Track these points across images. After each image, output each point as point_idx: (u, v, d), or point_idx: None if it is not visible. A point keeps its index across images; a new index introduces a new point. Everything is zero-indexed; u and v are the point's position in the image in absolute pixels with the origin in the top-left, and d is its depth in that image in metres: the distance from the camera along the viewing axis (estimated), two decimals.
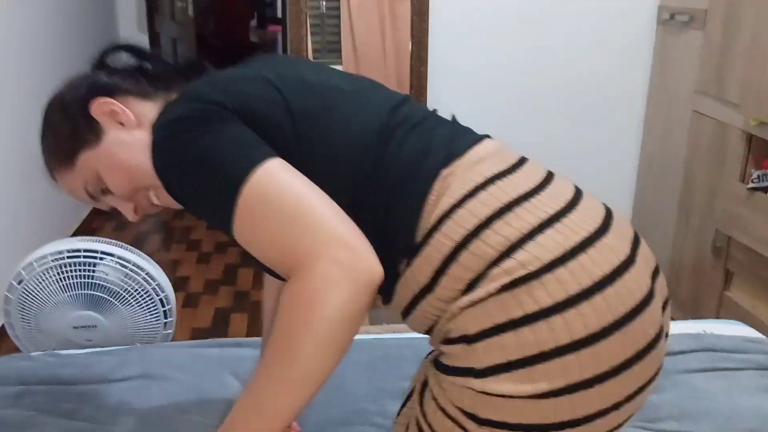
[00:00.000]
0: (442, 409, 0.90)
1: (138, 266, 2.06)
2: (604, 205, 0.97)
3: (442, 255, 0.88)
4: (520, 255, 0.84)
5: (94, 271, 2.03)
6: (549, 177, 0.97)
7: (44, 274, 2.00)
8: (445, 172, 0.91)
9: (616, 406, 0.87)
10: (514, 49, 3.20)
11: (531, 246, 0.85)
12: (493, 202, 0.89)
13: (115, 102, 1.01)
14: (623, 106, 3.32)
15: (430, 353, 1.01)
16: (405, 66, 3.19)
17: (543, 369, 0.82)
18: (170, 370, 1.48)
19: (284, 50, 5.63)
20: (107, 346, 1.96)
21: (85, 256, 2.01)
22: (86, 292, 2.02)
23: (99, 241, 2.07)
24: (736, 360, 1.63)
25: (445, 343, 0.90)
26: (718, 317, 2.71)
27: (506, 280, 0.84)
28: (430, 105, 3.11)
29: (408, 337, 1.64)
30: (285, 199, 0.83)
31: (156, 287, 2.08)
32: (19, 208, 2.88)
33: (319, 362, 0.80)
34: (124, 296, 2.05)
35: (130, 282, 2.05)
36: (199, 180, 0.87)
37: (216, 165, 0.86)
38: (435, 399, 0.92)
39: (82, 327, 2.06)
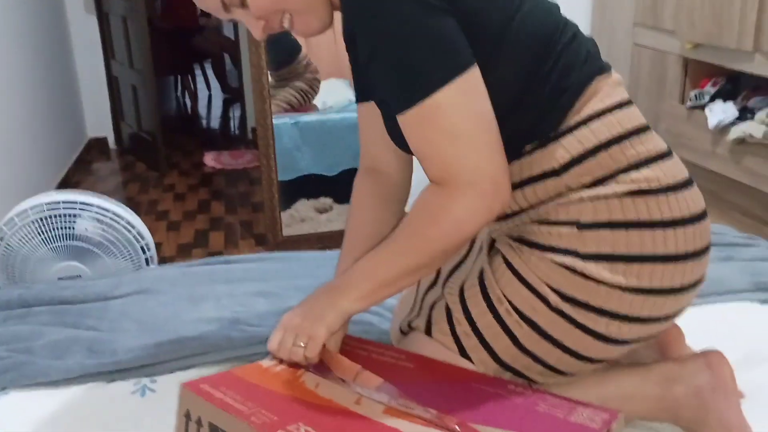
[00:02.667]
0: (521, 278, 1.01)
1: (117, 215, 2.12)
2: None
3: (584, 148, 0.97)
4: (646, 171, 0.97)
5: (75, 223, 2.09)
6: None
7: (25, 229, 2.05)
8: (598, 78, 1.00)
9: (668, 318, 1.03)
10: None
11: (655, 167, 0.98)
12: (634, 120, 1.00)
13: None
14: None
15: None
16: None
17: (637, 268, 0.97)
18: (164, 284, 1.57)
19: (234, 27, 5.67)
20: None
21: (64, 208, 2.07)
22: (68, 243, 2.08)
23: (77, 193, 2.13)
24: None
25: (542, 224, 1.00)
26: None
27: (633, 187, 0.96)
28: None
29: None
30: (466, 120, 0.89)
31: (136, 234, 2.15)
32: None
33: (436, 264, 0.98)
34: (106, 245, 2.11)
35: (110, 231, 2.12)
36: (398, 59, 0.88)
37: (422, 55, 0.87)
38: (513, 269, 1.02)
39: (67, 278, 2.12)
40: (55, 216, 2.06)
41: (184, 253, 3.26)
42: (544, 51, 0.96)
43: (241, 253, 3.23)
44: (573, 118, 0.98)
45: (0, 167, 3.10)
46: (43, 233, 2.07)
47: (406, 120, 0.91)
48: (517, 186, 1.01)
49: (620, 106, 1.01)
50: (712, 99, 2.59)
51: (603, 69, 1.02)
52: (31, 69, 3.76)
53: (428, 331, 1.09)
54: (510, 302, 1.01)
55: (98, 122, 4.96)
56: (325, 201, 3.35)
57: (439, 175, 0.92)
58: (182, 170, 4.62)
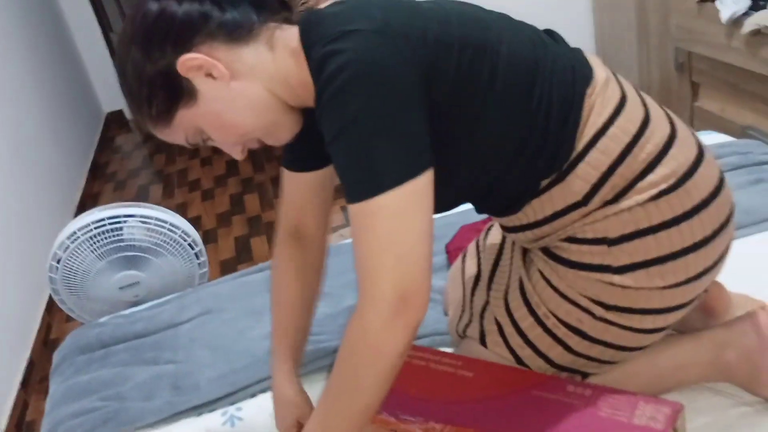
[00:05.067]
0: (562, 294, 1.05)
1: (160, 220, 2.21)
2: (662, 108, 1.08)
3: (600, 172, 0.98)
4: (661, 170, 0.98)
5: (122, 234, 2.19)
6: (629, 84, 1.07)
7: (79, 249, 2.16)
8: (588, 91, 0.99)
9: (707, 289, 1.08)
10: None
11: (668, 161, 0.99)
12: (634, 120, 0.99)
13: (201, 56, 0.90)
14: None
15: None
16: None
17: (671, 266, 1.00)
18: (224, 302, 1.67)
19: None
20: (154, 298, 2.15)
21: (110, 223, 2.17)
22: (121, 254, 2.19)
23: (118, 206, 2.22)
24: None
25: (571, 242, 1.03)
26: (692, 126, 2.89)
27: (653, 192, 0.98)
28: None
29: None
30: (401, 230, 0.86)
31: (182, 234, 2.24)
32: (24, 195, 3.00)
33: (379, 394, 0.91)
34: (156, 250, 2.22)
35: (157, 236, 2.22)
36: (357, 151, 0.86)
37: (379, 153, 0.85)
38: (552, 286, 1.06)
39: (127, 286, 2.25)
40: (103, 232, 2.17)
41: (224, 222, 3.36)
42: (532, 88, 0.96)
43: (278, 213, 3.32)
44: (580, 143, 0.98)
45: (30, 165, 3.19)
46: (96, 249, 2.18)
47: (352, 212, 0.89)
48: (543, 222, 1.04)
49: (617, 111, 1.00)
50: None
51: (589, 77, 1.01)
52: (36, 60, 3.79)
53: (482, 341, 1.17)
54: (556, 316, 1.07)
55: (110, 96, 5.00)
56: None
57: (364, 281, 0.88)
58: None
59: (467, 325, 1.22)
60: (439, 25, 0.92)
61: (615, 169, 0.98)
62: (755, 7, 2.37)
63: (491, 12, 1.02)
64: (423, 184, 0.87)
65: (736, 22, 2.41)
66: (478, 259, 1.30)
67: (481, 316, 1.19)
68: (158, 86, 0.93)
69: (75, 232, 2.16)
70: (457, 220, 1.76)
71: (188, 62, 0.90)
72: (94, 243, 2.17)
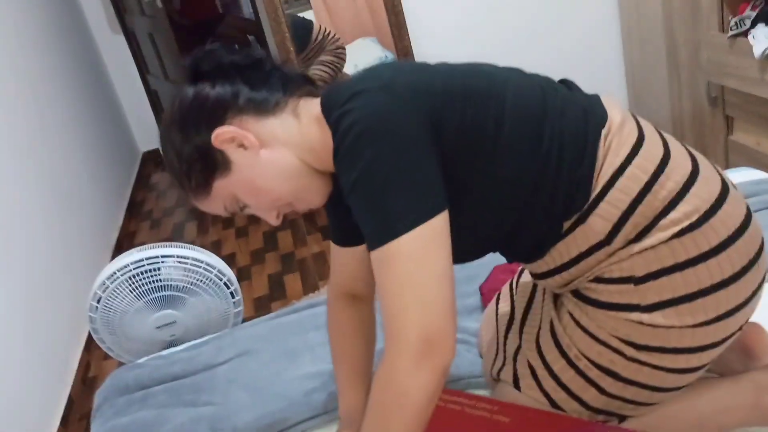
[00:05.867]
0: (592, 336, 1.06)
1: (196, 260, 2.25)
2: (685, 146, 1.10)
3: (620, 211, 0.99)
4: (683, 207, 1.00)
5: (160, 274, 2.23)
6: (648, 124, 1.09)
7: (118, 289, 2.20)
8: (603, 132, 1.01)
9: (742, 326, 1.06)
10: None
11: (690, 199, 1.00)
12: (653, 159, 1.01)
13: (233, 128, 1.00)
14: None
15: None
16: (377, 2, 3.25)
17: (701, 303, 1.00)
18: (260, 343, 1.69)
19: (253, 7, 5.66)
20: (189, 337, 2.18)
21: (148, 263, 2.21)
22: (159, 294, 2.23)
23: (156, 247, 2.26)
24: (749, 204, 1.78)
25: (599, 282, 1.04)
26: (726, 161, 2.87)
27: (676, 229, 0.99)
28: (412, 36, 3.20)
29: None
30: (420, 271, 0.88)
31: (218, 273, 2.28)
32: (65, 234, 3.07)
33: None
34: (193, 289, 2.25)
35: (193, 275, 2.25)
36: (373, 198, 0.90)
37: (394, 198, 0.89)
38: (582, 327, 1.07)
39: (164, 325, 2.28)
40: (142, 272, 2.21)
41: (258, 259, 3.40)
42: (541, 131, 0.98)
43: (311, 250, 3.36)
44: (599, 184, 1.00)
45: (71, 204, 3.27)
46: (135, 289, 2.22)
47: (373, 260, 0.92)
48: (569, 264, 1.05)
49: (635, 151, 1.01)
50: (754, 23, 2.51)
51: (604, 118, 1.03)
52: (76, 101, 3.90)
53: (516, 385, 1.16)
54: (587, 358, 1.07)
55: (147, 136, 5.12)
56: None
57: (388, 324, 0.90)
58: None
59: (501, 369, 1.22)
60: (444, 78, 0.98)
61: (635, 208, 0.99)
62: None
63: (500, 67, 1.06)
64: (438, 226, 0.90)
65: None
66: (512, 301, 1.31)
67: (515, 360, 1.19)
68: (196, 161, 1.02)
69: (115, 273, 2.20)
70: (490, 260, 1.76)
71: (221, 135, 1.00)
72: (133, 283, 2.21)
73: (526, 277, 1.30)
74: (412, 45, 3.20)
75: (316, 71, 3.28)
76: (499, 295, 1.39)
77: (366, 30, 3.39)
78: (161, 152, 1.07)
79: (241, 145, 1.01)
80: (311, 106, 1.04)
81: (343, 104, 0.94)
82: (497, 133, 0.97)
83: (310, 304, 1.84)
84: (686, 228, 0.99)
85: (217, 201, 1.05)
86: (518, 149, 0.98)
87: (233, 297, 2.35)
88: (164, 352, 1.79)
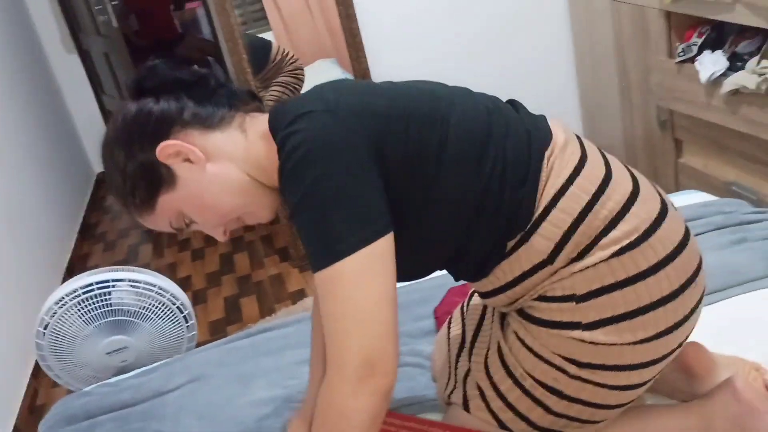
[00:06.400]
0: (537, 354, 1.06)
1: (149, 283, 2.21)
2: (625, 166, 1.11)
3: (562, 231, 1.00)
4: (623, 227, 1.01)
5: (110, 299, 2.18)
6: (592, 145, 1.11)
7: (66, 314, 2.15)
8: (547, 153, 1.02)
9: (683, 343, 1.08)
10: None
11: (630, 218, 1.01)
12: (594, 179, 1.02)
13: (178, 142, 0.98)
14: (547, 10, 3.44)
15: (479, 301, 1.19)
16: (335, 24, 3.27)
17: (640, 321, 1.01)
18: (212, 368, 1.66)
19: (210, 26, 5.64)
20: (142, 363, 2.13)
21: (98, 288, 2.16)
22: (109, 319, 2.18)
23: (106, 271, 2.22)
24: (696, 226, 1.82)
25: (542, 301, 1.04)
26: (676, 182, 2.93)
27: (615, 248, 1.00)
28: (370, 59, 3.22)
29: (417, 284, 1.81)
30: (362, 295, 0.88)
31: (171, 297, 2.23)
32: (15, 256, 2.99)
33: None
34: (145, 314, 2.20)
35: (145, 299, 2.21)
36: (315, 220, 0.90)
37: (337, 220, 0.89)
38: (527, 346, 1.07)
39: (115, 351, 2.22)
40: (92, 297, 2.15)
41: (214, 282, 3.35)
42: (484, 153, 0.99)
43: (269, 272, 3.32)
44: (541, 204, 1.01)
45: (21, 227, 3.19)
46: (84, 314, 2.16)
47: (316, 282, 0.92)
48: (514, 283, 1.05)
49: (577, 171, 1.03)
50: (700, 50, 2.59)
51: (548, 140, 1.04)
52: (28, 121, 3.82)
53: (466, 407, 1.16)
54: (532, 377, 1.07)
55: (101, 157, 5.02)
56: None
57: (331, 346, 0.90)
58: None
59: (452, 391, 1.22)
60: (387, 101, 0.99)
61: (577, 227, 1.00)
62: (733, 67, 2.43)
63: (448, 86, 1.07)
64: (381, 249, 0.90)
65: (716, 81, 2.48)
66: (463, 324, 1.31)
67: (464, 382, 1.20)
68: (140, 177, 1.00)
69: (63, 298, 2.15)
70: (444, 282, 1.77)
71: (167, 149, 0.98)
72: (83, 308, 2.15)
73: (477, 299, 1.31)
74: (370, 68, 3.21)
75: (273, 91, 3.27)
76: (450, 318, 1.40)
77: (325, 51, 3.39)
78: (104, 171, 1.05)
79: (187, 159, 0.99)
80: (258, 123, 1.04)
81: (288, 125, 0.94)
82: (440, 155, 0.97)
83: (264, 328, 1.82)
84: (625, 247, 1.00)
85: (162, 217, 1.03)
86: (461, 171, 0.98)
87: (187, 321, 2.31)
88: (112, 380, 1.74)
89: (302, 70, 3.35)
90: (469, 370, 1.20)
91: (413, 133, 0.96)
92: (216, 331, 2.92)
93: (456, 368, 1.25)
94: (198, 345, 2.16)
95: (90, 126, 4.91)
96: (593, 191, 1.01)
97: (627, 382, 1.06)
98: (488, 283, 1.09)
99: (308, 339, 1.69)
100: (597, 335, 1.02)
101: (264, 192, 1.04)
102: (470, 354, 1.22)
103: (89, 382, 2.20)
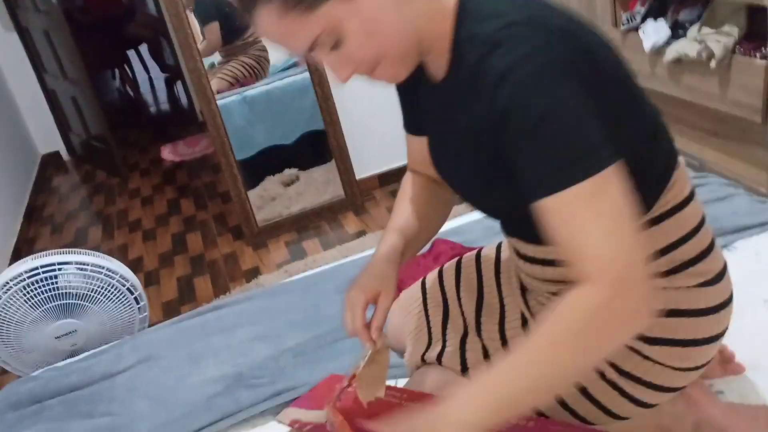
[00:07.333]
0: None
1: (97, 265, 2.17)
2: None
3: (667, 242, 1.00)
4: (705, 264, 1.03)
5: (57, 282, 2.13)
6: None
7: (12, 299, 2.10)
8: (676, 167, 1.02)
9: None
10: None
11: (708, 260, 1.04)
12: (698, 213, 1.05)
13: None
14: None
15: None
16: None
17: (690, 351, 1.04)
18: (162, 348, 1.64)
19: (156, 5, 5.50)
20: (92, 346, 2.10)
21: (44, 272, 2.11)
22: (57, 303, 2.14)
23: (53, 254, 2.17)
24: None
25: None
26: None
27: (700, 280, 1.03)
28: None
29: (364, 258, 1.81)
30: (625, 204, 0.82)
31: (120, 279, 2.20)
32: None
33: (578, 375, 0.87)
34: (94, 296, 2.17)
35: (94, 282, 2.17)
36: (566, 135, 0.82)
37: (591, 133, 0.81)
38: None
39: (64, 335, 2.19)
40: (38, 281, 2.11)
41: (166, 263, 3.31)
42: (656, 130, 0.98)
43: (222, 251, 3.29)
44: (658, 209, 0.99)
45: None
46: (31, 299, 2.12)
47: (559, 202, 0.82)
48: None
49: (691, 196, 1.03)
50: (644, 18, 2.63)
51: (678, 158, 1.04)
52: None
53: (465, 369, 1.14)
54: None
55: (46, 137, 4.90)
56: (290, 173, 3.37)
57: (582, 266, 0.83)
58: (143, 170, 4.60)
59: (442, 355, 1.18)
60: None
61: (679, 245, 1.01)
62: (675, 34, 2.47)
63: None
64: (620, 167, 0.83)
65: (659, 51, 2.52)
66: (443, 292, 1.28)
67: (462, 348, 1.17)
68: None
69: (7, 282, 2.10)
70: None
71: None
72: (29, 293, 2.11)
73: (468, 268, 1.28)
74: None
75: (232, 67, 3.22)
76: (424, 282, 1.34)
77: None
78: None
79: None
80: None
81: (499, 29, 0.83)
82: (631, 84, 0.95)
83: (214, 306, 1.80)
84: (707, 282, 1.04)
85: (312, 26, 0.85)
86: (639, 108, 0.96)
87: (138, 303, 2.28)
88: (60, 363, 1.71)
89: (267, 60, 3.28)
90: (466, 334, 1.18)
91: (609, 58, 0.91)
92: (169, 312, 2.88)
93: (444, 333, 1.21)
94: (150, 326, 2.13)
95: (33, 106, 4.77)
96: (694, 227, 1.03)
97: (647, 400, 1.08)
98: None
99: (260, 317, 1.69)
100: (654, 350, 1.03)
101: (416, 52, 0.94)
102: (478, 322, 1.19)
103: (39, 367, 2.15)
